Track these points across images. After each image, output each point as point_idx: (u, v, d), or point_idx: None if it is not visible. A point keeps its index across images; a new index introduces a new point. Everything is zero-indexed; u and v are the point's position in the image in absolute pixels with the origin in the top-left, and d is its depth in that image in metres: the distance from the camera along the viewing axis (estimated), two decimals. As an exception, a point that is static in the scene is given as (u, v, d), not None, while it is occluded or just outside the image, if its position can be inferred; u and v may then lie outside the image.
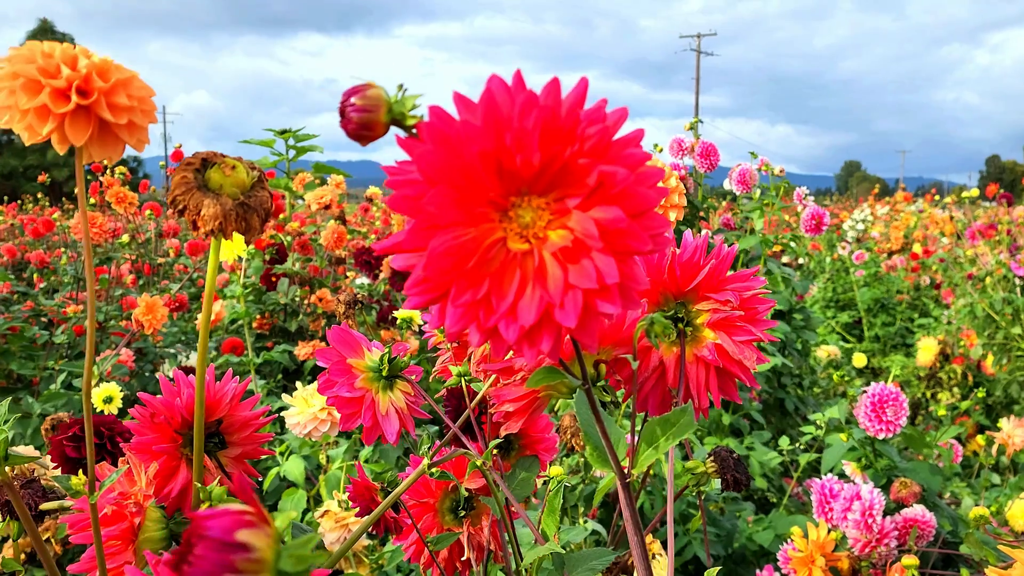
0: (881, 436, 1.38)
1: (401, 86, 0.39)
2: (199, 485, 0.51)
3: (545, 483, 0.80)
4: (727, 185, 2.43)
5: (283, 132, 3.21)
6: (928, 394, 3.38)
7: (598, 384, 0.49)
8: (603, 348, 0.52)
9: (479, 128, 0.34)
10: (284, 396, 1.24)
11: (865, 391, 1.41)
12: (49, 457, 0.76)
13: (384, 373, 0.56)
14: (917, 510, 1.33)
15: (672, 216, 0.67)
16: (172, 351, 2.73)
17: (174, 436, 0.58)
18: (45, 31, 24.93)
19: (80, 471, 0.73)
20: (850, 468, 1.50)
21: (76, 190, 0.47)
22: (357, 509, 1.16)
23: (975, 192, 5.78)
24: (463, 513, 0.73)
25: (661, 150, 2.34)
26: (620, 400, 0.56)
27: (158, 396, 0.59)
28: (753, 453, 1.77)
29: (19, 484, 0.60)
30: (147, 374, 2.56)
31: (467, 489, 0.76)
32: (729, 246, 0.59)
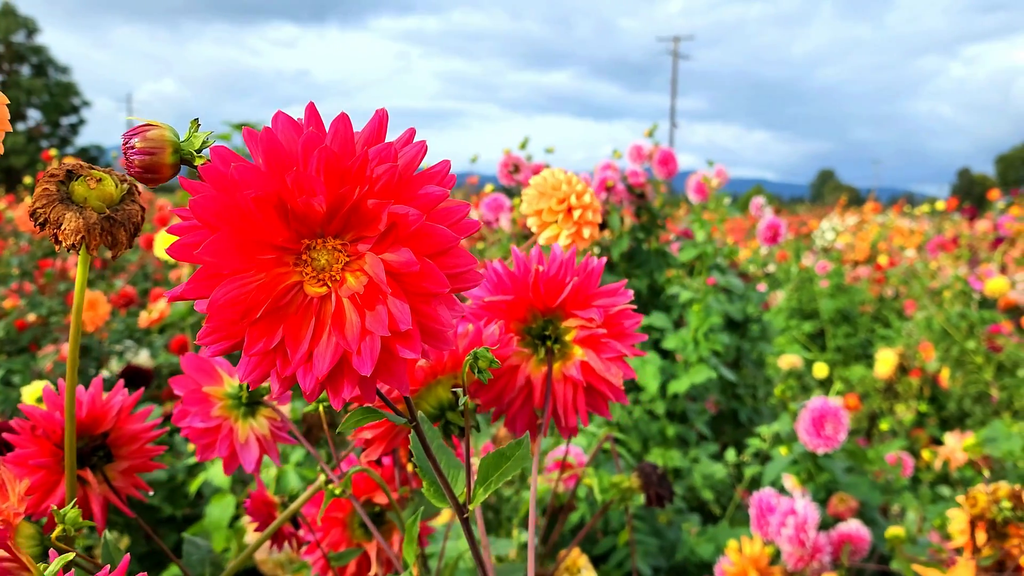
0: (820, 451, 1.37)
1: (195, 122, 0.36)
2: (53, 508, 0.48)
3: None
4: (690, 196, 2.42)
5: (239, 125, 3.15)
6: (885, 406, 3.40)
7: (456, 409, 0.47)
8: (459, 373, 0.50)
9: (259, 170, 0.32)
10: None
11: (805, 406, 1.40)
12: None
13: (244, 400, 0.53)
14: (852, 525, 1.32)
15: (586, 233, 0.65)
16: (120, 348, 2.67)
17: (54, 450, 0.54)
18: (7, 14, 24.46)
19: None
20: (790, 482, 1.49)
21: None
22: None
23: (942, 204, 5.84)
24: (368, 528, 0.70)
25: (620, 156, 2.33)
26: (477, 424, 0.54)
27: (40, 408, 0.56)
28: (697, 466, 1.75)
29: None
30: (92, 372, 2.50)
31: (378, 504, 0.73)
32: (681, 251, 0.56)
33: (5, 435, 0.53)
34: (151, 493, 0.59)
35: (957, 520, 1.57)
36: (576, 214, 0.66)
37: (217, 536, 1.37)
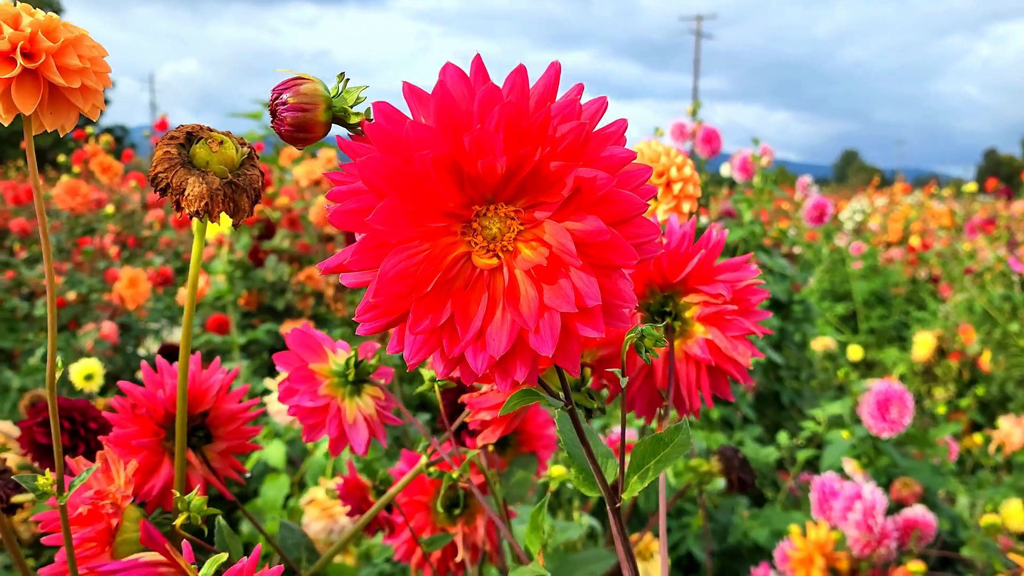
0: (885, 435, 1.33)
1: (342, 76, 0.33)
2: (177, 495, 0.46)
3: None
4: (724, 171, 2.37)
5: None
6: (924, 389, 3.35)
7: (581, 389, 0.44)
8: (586, 350, 0.47)
9: (433, 129, 0.29)
10: (267, 380, 1.19)
11: (870, 389, 1.36)
12: (17, 441, 0.71)
13: (351, 378, 0.50)
14: (918, 511, 1.29)
15: (686, 207, 0.62)
16: (156, 326, 2.67)
17: (156, 429, 0.53)
18: (34, -5, 24.53)
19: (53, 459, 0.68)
20: (851, 466, 1.46)
21: (28, 164, 0.41)
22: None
23: (974, 187, 5.74)
24: (457, 512, 0.68)
25: (662, 134, 2.28)
26: (604, 405, 0.51)
27: (139, 386, 0.54)
28: (742, 448, 1.72)
29: None
30: (130, 350, 2.51)
31: (462, 487, 0.71)
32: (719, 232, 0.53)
33: (105, 414, 0.51)
34: (248, 475, 0.57)
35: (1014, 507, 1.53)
36: (676, 187, 0.63)
37: (271, 516, 1.36)
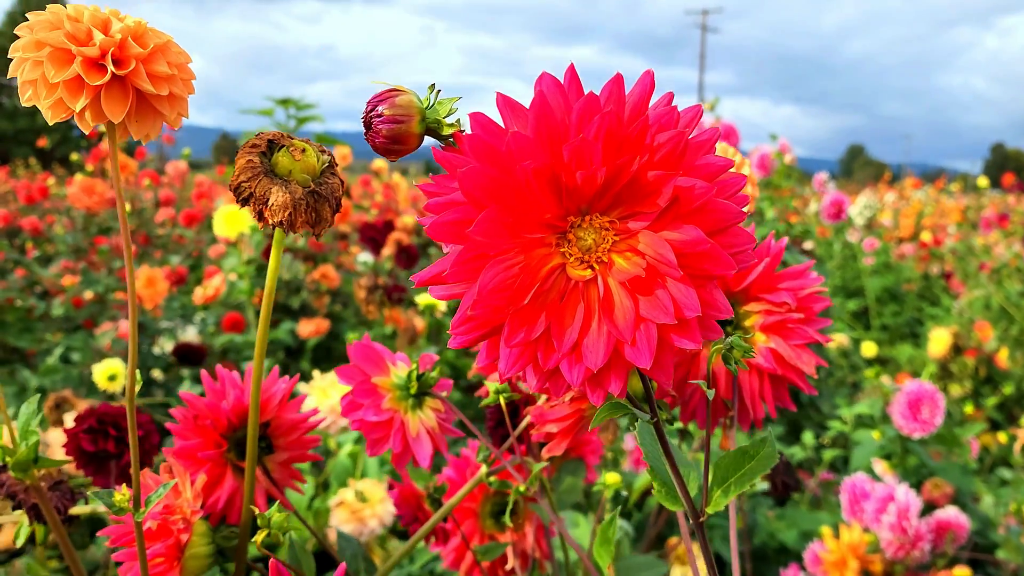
0: (916, 435, 1.32)
1: (433, 87, 0.32)
2: (256, 510, 0.44)
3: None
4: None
5: (284, 101, 3.12)
6: (940, 386, 3.33)
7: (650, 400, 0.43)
8: None
9: (531, 140, 0.29)
10: (302, 385, 1.18)
11: (900, 388, 1.35)
12: (64, 450, 0.70)
13: (413, 391, 0.49)
14: (951, 512, 1.28)
15: (744, 208, 0.60)
16: (170, 325, 2.67)
17: (219, 441, 0.52)
18: (38, -6, 24.60)
19: (100, 466, 0.67)
20: (881, 467, 1.44)
21: (110, 174, 0.41)
22: (379, 502, 1.10)
23: (985, 181, 5.71)
24: (506, 519, 0.67)
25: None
26: (671, 415, 0.50)
27: (200, 396, 0.53)
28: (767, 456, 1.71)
29: (46, 486, 0.54)
30: (145, 348, 2.50)
31: (501, 481, 0.70)
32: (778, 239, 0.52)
33: (168, 425, 0.51)
34: (305, 484, 0.56)
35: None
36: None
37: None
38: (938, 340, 3.40)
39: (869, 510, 1.25)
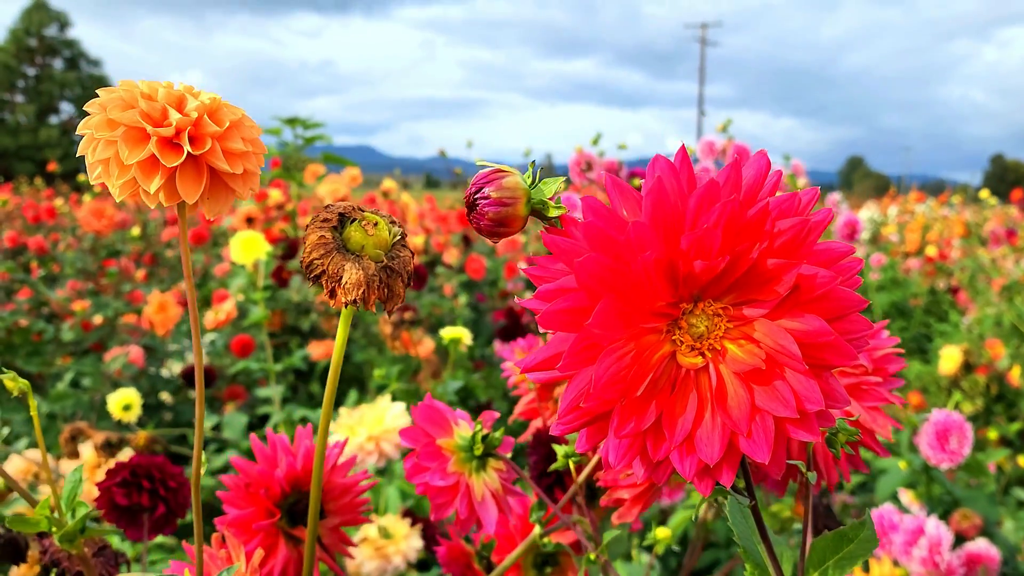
0: (944, 466, 1.30)
1: (533, 164, 0.31)
2: None
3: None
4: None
5: (291, 120, 3.12)
6: (951, 404, 3.31)
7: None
8: None
9: (648, 228, 0.28)
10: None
11: (927, 418, 1.33)
12: (95, 504, 0.68)
13: (477, 453, 0.48)
14: (981, 544, 1.26)
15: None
16: (178, 347, 2.65)
17: (272, 509, 0.50)
18: (39, 7, 24.62)
19: (133, 519, 0.65)
20: (907, 497, 1.43)
21: (181, 255, 0.39)
22: (403, 538, 1.09)
23: (986, 193, 5.70)
24: (549, 570, 0.65)
25: (692, 152, 2.26)
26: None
27: (251, 462, 0.51)
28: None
29: (90, 552, 0.52)
30: (154, 371, 2.49)
31: (556, 543, 0.68)
32: None
33: (219, 494, 0.49)
34: (356, 547, 0.54)
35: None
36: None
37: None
38: (949, 358, 3.38)
39: (898, 542, 1.24)
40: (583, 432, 0.30)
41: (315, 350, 2.19)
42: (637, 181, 2.21)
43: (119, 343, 2.35)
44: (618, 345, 0.28)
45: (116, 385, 2.06)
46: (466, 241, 3.32)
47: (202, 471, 0.42)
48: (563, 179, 0.31)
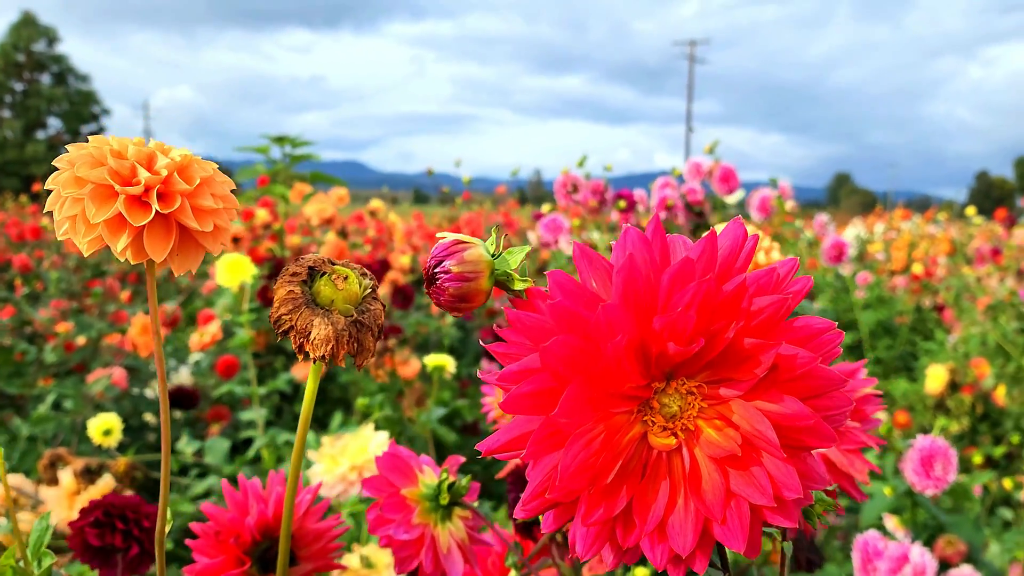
0: (929, 492, 1.30)
1: (500, 228, 0.30)
2: None
3: None
4: (730, 199, 2.35)
5: (280, 139, 3.11)
6: (936, 424, 3.32)
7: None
8: None
9: (619, 308, 0.26)
10: (311, 453, 1.15)
11: (912, 444, 1.33)
12: (68, 542, 0.67)
13: (443, 502, 0.47)
14: (965, 571, 1.26)
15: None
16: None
17: (242, 557, 0.49)
18: (28, 23, 24.57)
19: (106, 560, 0.64)
20: (892, 523, 1.42)
21: (150, 310, 0.39)
22: (385, 567, 1.07)
23: (972, 210, 5.74)
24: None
25: (679, 174, 2.27)
26: None
27: (222, 509, 0.50)
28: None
29: None
30: (137, 392, 2.46)
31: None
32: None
33: (188, 542, 0.48)
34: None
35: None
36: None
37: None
38: (935, 377, 3.40)
39: (882, 569, 1.23)
40: (549, 514, 0.29)
41: (300, 372, 2.17)
42: (622, 203, 2.21)
43: (102, 364, 2.33)
44: (587, 429, 0.27)
45: (98, 407, 2.03)
46: (453, 260, 3.31)
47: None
48: (528, 248, 0.30)
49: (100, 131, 25.45)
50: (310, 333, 0.33)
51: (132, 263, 0.34)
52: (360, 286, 0.36)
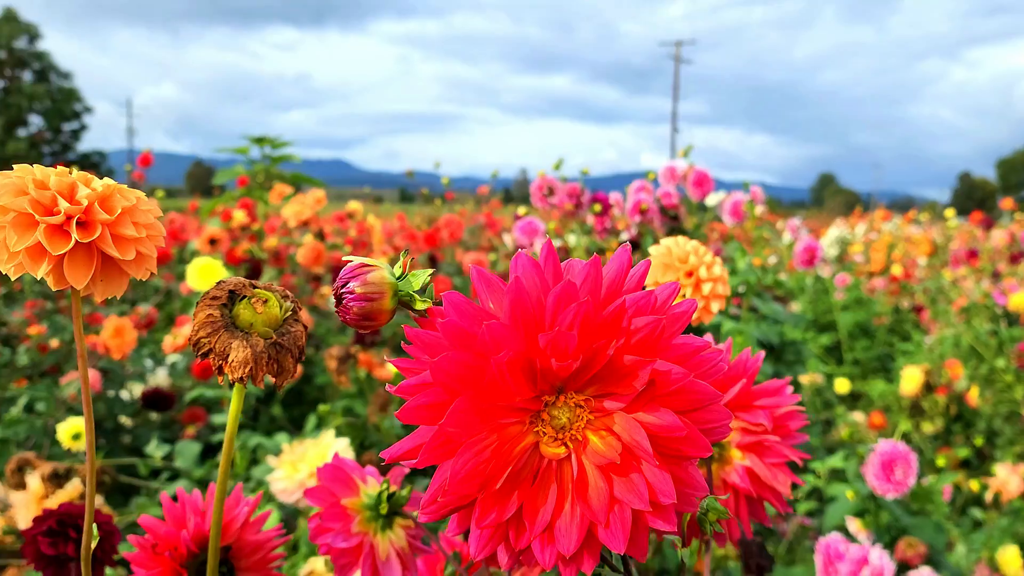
0: (889, 496, 1.32)
1: (407, 252, 0.32)
2: None
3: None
4: (710, 201, 2.37)
5: (260, 140, 3.10)
6: (912, 424, 3.36)
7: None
8: None
9: (507, 328, 0.28)
10: (269, 459, 1.15)
11: (873, 449, 1.35)
12: (21, 550, 0.67)
13: (383, 512, 0.48)
14: (924, 573, 1.28)
15: (715, 307, 0.60)
16: (136, 370, 2.62)
17: (178, 570, 0.50)
18: (9, 19, 24.38)
19: (60, 569, 0.65)
20: (855, 525, 1.44)
21: (75, 334, 0.39)
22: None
23: (951, 212, 5.80)
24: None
25: (654, 177, 2.28)
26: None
27: (160, 521, 0.51)
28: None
29: None
30: (112, 394, 2.46)
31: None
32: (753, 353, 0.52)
33: (125, 555, 0.49)
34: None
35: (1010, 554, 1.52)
36: (707, 288, 0.62)
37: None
38: (910, 378, 3.43)
39: (843, 572, 1.25)
40: (453, 518, 0.31)
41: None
42: (598, 207, 2.22)
43: (76, 367, 2.32)
44: (479, 439, 0.28)
45: (71, 410, 2.03)
46: (432, 261, 3.32)
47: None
48: (430, 271, 0.31)
49: (82, 128, 25.28)
50: (228, 355, 0.34)
51: (54, 288, 0.35)
52: (281, 309, 0.37)
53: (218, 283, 0.37)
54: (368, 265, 0.31)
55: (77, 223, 0.35)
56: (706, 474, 0.50)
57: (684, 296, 0.64)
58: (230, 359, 0.34)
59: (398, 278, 0.32)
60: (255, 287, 0.37)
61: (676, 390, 0.29)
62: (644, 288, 0.32)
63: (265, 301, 0.36)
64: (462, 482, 0.28)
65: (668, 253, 0.65)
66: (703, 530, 0.36)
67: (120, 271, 0.37)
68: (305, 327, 0.38)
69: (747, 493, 0.49)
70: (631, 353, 0.28)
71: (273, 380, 0.36)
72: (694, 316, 0.65)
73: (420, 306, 0.31)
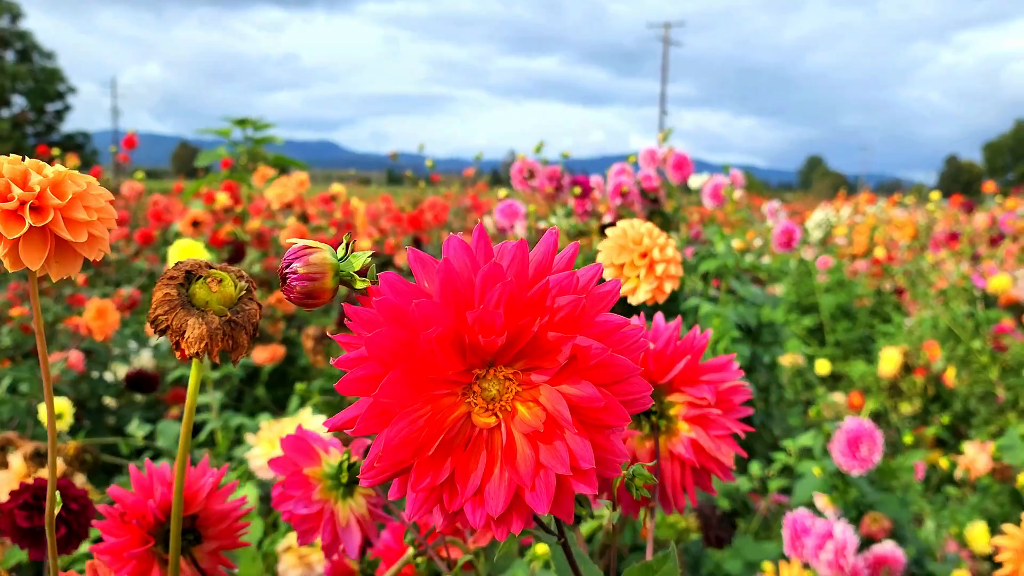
0: (855, 472, 1.36)
1: (349, 237, 0.34)
2: None
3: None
4: (693, 183, 2.39)
5: (242, 121, 3.10)
6: (890, 404, 3.41)
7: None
8: None
9: (437, 305, 0.30)
10: (248, 436, 1.17)
11: (840, 426, 1.39)
12: None
13: (344, 480, 0.51)
14: (887, 547, 1.32)
15: (668, 287, 0.63)
16: (121, 351, 2.63)
17: (146, 537, 0.52)
18: (-11, -1, 24.07)
19: (35, 541, 0.67)
20: (822, 501, 1.48)
21: (32, 309, 0.41)
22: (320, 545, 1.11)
23: (936, 195, 5.84)
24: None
25: (635, 160, 2.30)
26: (592, 511, 0.52)
27: (128, 491, 0.53)
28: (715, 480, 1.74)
29: None
30: (96, 375, 2.47)
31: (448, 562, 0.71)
32: (704, 327, 0.54)
33: (95, 523, 0.51)
34: (235, 570, 0.56)
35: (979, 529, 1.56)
36: (659, 268, 0.64)
37: (245, 559, 1.35)
38: (888, 359, 3.48)
39: (809, 546, 1.29)
40: (395, 482, 0.33)
41: (259, 355, 2.19)
42: (578, 189, 2.24)
43: (59, 347, 2.33)
44: (412, 409, 0.30)
45: (55, 390, 2.04)
46: (417, 243, 3.33)
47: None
48: (370, 253, 0.34)
49: (66, 109, 25.03)
50: (185, 332, 0.36)
51: (11, 270, 0.37)
52: (236, 288, 0.39)
53: (176, 264, 0.39)
54: (310, 247, 0.33)
55: (31, 208, 0.37)
56: (654, 446, 0.52)
57: (639, 277, 0.67)
58: (186, 336, 0.37)
59: (340, 259, 0.34)
60: (211, 267, 0.39)
61: (596, 364, 0.31)
62: (574, 269, 0.34)
63: (220, 281, 0.38)
64: (396, 448, 0.30)
65: (623, 235, 0.67)
66: (631, 492, 0.39)
67: (74, 253, 0.39)
68: (260, 305, 0.40)
69: (692, 464, 0.51)
70: (554, 330, 0.31)
71: (230, 355, 0.38)
72: (646, 297, 0.67)
73: (359, 285, 0.34)
